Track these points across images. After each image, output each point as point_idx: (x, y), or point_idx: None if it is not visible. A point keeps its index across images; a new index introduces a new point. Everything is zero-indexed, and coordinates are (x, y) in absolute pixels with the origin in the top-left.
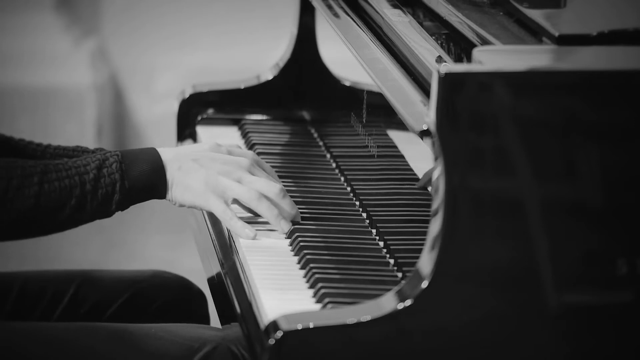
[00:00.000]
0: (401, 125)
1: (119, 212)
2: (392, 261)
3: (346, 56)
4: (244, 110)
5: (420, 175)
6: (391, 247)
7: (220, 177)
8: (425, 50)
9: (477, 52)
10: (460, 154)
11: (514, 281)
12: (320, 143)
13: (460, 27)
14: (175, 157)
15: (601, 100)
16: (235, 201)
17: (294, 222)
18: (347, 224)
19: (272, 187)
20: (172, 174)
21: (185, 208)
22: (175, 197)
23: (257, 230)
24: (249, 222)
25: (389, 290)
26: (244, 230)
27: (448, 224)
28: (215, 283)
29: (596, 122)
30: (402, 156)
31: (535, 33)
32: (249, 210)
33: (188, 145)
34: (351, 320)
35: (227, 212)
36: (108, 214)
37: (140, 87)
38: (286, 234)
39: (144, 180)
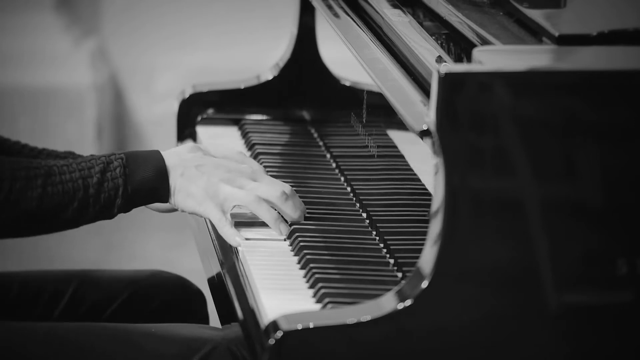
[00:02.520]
0: (401, 125)
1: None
2: (392, 261)
3: (346, 56)
4: (244, 110)
5: (420, 175)
6: (391, 247)
7: (221, 184)
8: (425, 50)
9: (477, 52)
10: (460, 154)
11: (514, 281)
12: (320, 143)
13: (460, 27)
14: (179, 163)
15: (601, 100)
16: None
17: (294, 223)
18: (347, 224)
19: (274, 190)
20: (175, 181)
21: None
22: (177, 203)
23: (257, 230)
24: (250, 222)
25: (389, 290)
26: (233, 238)
27: (448, 224)
28: (215, 283)
29: (596, 122)
30: (402, 156)
31: (535, 33)
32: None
33: (186, 145)
34: (351, 320)
35: (222, 220)
36: (110, 216)
37: (140, 87)
38: (285, 236)
39: (146, 186)
